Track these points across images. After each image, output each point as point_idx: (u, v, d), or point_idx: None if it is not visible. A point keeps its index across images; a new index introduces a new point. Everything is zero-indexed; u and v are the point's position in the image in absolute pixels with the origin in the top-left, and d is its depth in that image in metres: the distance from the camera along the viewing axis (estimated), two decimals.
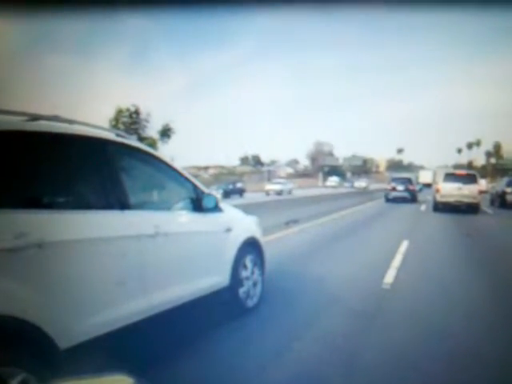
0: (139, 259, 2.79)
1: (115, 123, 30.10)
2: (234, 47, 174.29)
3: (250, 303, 4.15)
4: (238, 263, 3.96)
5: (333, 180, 70.74)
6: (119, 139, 3.07)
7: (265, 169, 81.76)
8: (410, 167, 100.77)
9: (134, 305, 2.70)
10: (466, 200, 16.54)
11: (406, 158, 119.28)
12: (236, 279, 3.93)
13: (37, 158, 2.37)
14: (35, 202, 2.25)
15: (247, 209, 5.45)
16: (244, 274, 4.08)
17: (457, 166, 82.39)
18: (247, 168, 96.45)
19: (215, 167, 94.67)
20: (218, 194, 4.73)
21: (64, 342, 2.14)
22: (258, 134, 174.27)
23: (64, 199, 2.51)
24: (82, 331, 2.29)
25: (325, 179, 75.45)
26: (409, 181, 24.71)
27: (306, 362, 3.13)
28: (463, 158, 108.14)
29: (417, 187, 27.69)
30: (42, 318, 2.04)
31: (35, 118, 2.53)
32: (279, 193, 36.47)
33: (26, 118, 2.49)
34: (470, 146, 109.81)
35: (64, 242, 2.26)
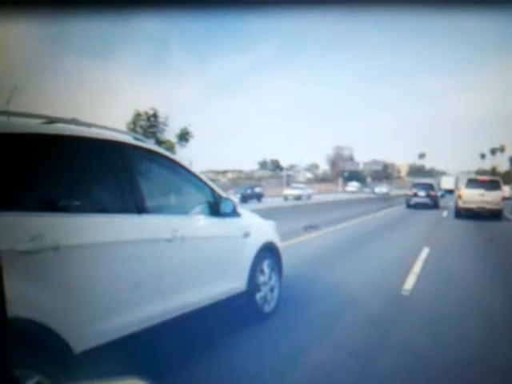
0: (156, 263, 2.78)
1: (133, 126, 30.27)
2: (252, 50, 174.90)
3: (267, 308, 4.11)
4: (255, 268, 3.93)
5: (353, 185, 70.12)
6: (137, 143, 3.08)
7: (283, 173, 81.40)
8: (432, 173, 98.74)
9: (149, 309, 2.68)
10: (488, 206, 16.19)
11: (427, 164, 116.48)
12: (253, 284, 3.90)
13: (54, 161, 2.38)
14: (52, 205, 2.26)
15: (265, 214, 5.43)
16: (261, 279, 4.05)
17: (480, 172, 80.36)
18: (266, 172, 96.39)
19: (233, 171, 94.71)
20: (235, 198, 4.71)
21: (79, 346, 2.14)
22: (277, 137, 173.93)
23: (80, 202, 2.51)
24: (96, 335, 2.28)
25: (344, 184, 74.85)
26: (430, 186, 24.28)
27: (323, 368, 3.09)
28: (486, 164, 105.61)
29: (439, 193, 27.19)
30: (57, 321, 2.04)
31: (52, 120, 2.55)
32: (298, 198, 36.28)
33: (43, 120, 2.51)
34: (493, 151, 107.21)
35: (80, 245, 2.26)
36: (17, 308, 1.85)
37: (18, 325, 1.86)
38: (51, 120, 2.55)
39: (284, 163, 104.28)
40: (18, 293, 1.91)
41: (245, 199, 30.29)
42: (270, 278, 4.18)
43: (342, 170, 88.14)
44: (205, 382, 2.85)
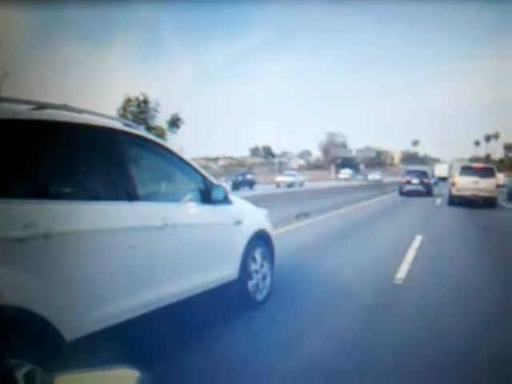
0: (147, 251, 2.75)
1: (123, 112, 29.79)
2: (245, 36, 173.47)
3: (259, 297, 4.11)
4: (247, 256, 3.92)
5: (345, 172, 70.24)
6: (127, 129, 3.03)
7: (276, 160, 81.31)
8: (426, 160, 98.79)
9: (141, 297, 2.67)
10: (482, 194, 16.24)
11: (421, 151, 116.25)
12: (245, 272, 3.88)
13: (44, 148, 2.34)
14: (43, 192, 2.23)
15: (257, 201, 5.40)
16: (253, 267, 4.04)
17: (474, 159, 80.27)
18: (257, 159, 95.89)
19: (225, 158, 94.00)
20: (227, 185, 4.69)
21: (70, 334, 2.12)
22: (269, 124, 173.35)
23: (72, 189, 2.48)
24: (88, 323, 2.27)
25: (337, 171, 74.94)
26: (424, 174, 24.34)
27: (315, 357, 3.09)
28: (481, 151, 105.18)
29: (432, 180, 27.30)
30: (48, 309, 2.02)
31: (43, 106, 2.50)
32: (290, 185, 36.28)
33: (33, 106, 2.46)
34: (488, 138, 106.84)
35: (71, 232, 2.23)
36: (7, 296, 1.85)
37: (8, 313, 1.84)
38: (41, 106, 2.49)
39: (276, 150, 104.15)
40: (9, 281, 1.89)
41: (236, 186, 30.08)
42: (261, 265, 4.16)
43: (335, 157, 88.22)
44: (197, 371, 2.84)
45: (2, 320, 1.82)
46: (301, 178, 41.12)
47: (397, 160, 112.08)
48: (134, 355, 1.79)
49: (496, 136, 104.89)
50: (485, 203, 16.24)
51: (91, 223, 2.38)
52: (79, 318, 2.22)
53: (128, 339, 2.55)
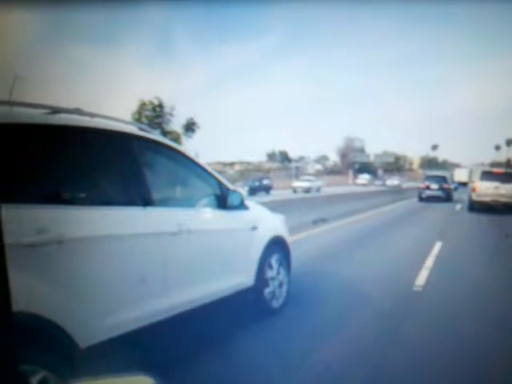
0: (161, 257, 2.73)
1: (138, 117, 29.87)
2: (260, 39, 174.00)
3: (276, 304, 4.05)
4: (263, 263, 3.87)
5: (363, 177, 69.64)
6: (142, 133, 3.01)
7: (292, 165, 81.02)
8: (445, 165, 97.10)
9: (155, 304, 2.64)
10: (503, 199, 15.86)
11: (440, 156, 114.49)
12: (261, 279, 3.83)
13: (58, 153, 2.33)
14: (56, 197, 2.22)
15: (274, 206, 5.37)
16: (269, 273, 3.98)
17: (494, 164, 78.35)
18: (274, 164, 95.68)
19: (241, 163, 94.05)
20: (243, 191, 4.68)
21: (84, 341, 2.11)
22: (286, 128, 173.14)
23: (85, 195, 2.47)
24: (102, 330, 2.25)
25: (355, 177, 74.34)
26: (443, 179, 24.00)
27: (332, 365, 3.02)
28: (501, 156, 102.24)
29: (452, 186, 26.85)
30: (61, 315, 2.01)
31: (56, 110, 2.50)
32: (307, 190, 36.11)
33: (47, 110, 2.46)
34: (509, 142, 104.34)
35: (85, 238, 2.22)
36: (22, 303, 1.83)
37: (23, 320, 1.82)
38: (55, 110, 2.49)
39: (293, 155, 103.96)
40: (23, 287, 1.87)
41: (253, 192, 29.97)
42: (278, 272, 4.11)
43: (353, 162, 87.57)
44: (211, 379, 2.81)
45: (17, 327, 1.82)
46: (318, 183, 40.89)
47: (416, 165, 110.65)
48: (148, 363, 1.77)
49: None
50: (506, 209, 15.84)
51: (104, 229, 2.36)
52: (93, 325, 2.20)
53: (142, 347, 2.52)
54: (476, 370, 2.96)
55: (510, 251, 8.14)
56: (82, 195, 2.45)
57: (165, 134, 28.06)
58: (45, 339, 1.93)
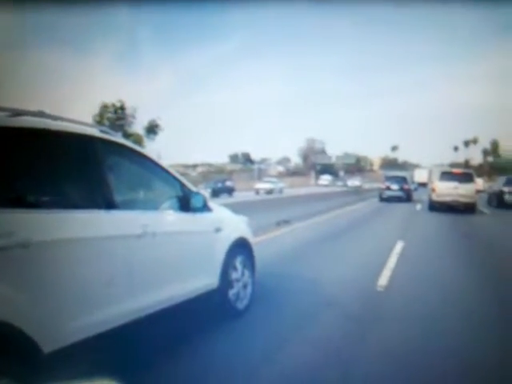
0: (126, 260, 2.72)
1: (100, 119, 29.45)
2: (224, 42, 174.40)
3: (240, 305, 4.04)
4: (227, 264, 3.86)
5: (325, 179, 70.79)
6: (104, 136, 2.96)
7: (255, 167, 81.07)
8: (405, 166, 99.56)
9: (120, 307, 2.63)
10: (462, 199, 16.34)
11: (400, 156, 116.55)
12: (225, 281, 3.83)
13: (20, 156, 2.29)
14: (19, 200, 2.18)
15: (237, 208, 5.29)
16: (234, 275, 3.98)
17: (453, 165, 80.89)
18: (237, 166, 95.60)
19: (203, 165, 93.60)
20: (206, 192, 4.57)
21: (48, 346, 2.07)
22: (248, 130, 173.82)
23: (48, 198, 2.42)
24: (66, 334, 2.21)
25: (317, 178, 75.41)
26: (403, 180, 24.63)
27: (296, 367, 3.02)
28: (460, 157, 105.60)
29: (412, 186, 27.60)
30: (24, 320, 1.97)
31: (18, 113, 2.44)
32: (270, 192, 36.13)
33: (8, 113, 2.39)
34: (466, 143, 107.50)
35: (49, 241, 2.18)
36: None
37: None
38: (17, 113, 2.43)
39: (255, 157, 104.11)
40: None
41: (216, 193, 29.65)
42: (242, 274, 4.11)
43: (314, 164, 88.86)
44: (176, 382, 2.80)
45: None
46: (280, 184, 41.05)
47: (376, 166, 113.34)
48: (113, 366, 1.75)
49: (474, 141, 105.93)
50: (465, 209, 16.36)
51: (68, 232, 2.33)
52: (57, 329, 2.16)
53: (107, 350, 2.52)
54: (440, 369, 2.99)
55: (467, 249, 8.38)
56: (46, 198, 2.41)
57: (127, 136, 27.52)
58: (6, 345, 1.88)
